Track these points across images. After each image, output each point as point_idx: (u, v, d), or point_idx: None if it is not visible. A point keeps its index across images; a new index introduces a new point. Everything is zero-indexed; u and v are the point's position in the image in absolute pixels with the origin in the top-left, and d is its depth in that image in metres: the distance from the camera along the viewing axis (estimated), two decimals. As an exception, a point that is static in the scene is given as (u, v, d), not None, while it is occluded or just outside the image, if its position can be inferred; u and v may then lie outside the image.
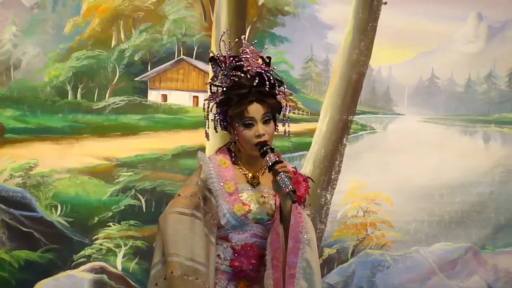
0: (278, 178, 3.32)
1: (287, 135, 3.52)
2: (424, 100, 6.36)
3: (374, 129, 6.37)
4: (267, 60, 3.50)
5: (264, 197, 3.48)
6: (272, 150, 3.39)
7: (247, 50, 3.47)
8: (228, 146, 3.58)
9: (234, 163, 3.54)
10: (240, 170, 3.53)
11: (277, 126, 3.52)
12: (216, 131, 3.57)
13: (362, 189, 6.16)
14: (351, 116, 6.17)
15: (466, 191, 6.24)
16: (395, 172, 6.18)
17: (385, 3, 6.13)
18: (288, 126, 3.51)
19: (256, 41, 3.55)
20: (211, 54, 3.52)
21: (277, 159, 3.36)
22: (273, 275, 3.37)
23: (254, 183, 3.51)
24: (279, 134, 3.52)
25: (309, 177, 3.55)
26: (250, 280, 3.46)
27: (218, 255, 3.48)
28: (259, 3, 6.16)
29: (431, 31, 6.21)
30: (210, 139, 5.84)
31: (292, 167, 3.53)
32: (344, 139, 6.17)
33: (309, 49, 6.25)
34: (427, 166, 6.19)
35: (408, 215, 6.18)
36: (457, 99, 6.39)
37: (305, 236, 3.37)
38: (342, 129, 6.16)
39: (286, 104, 3.52)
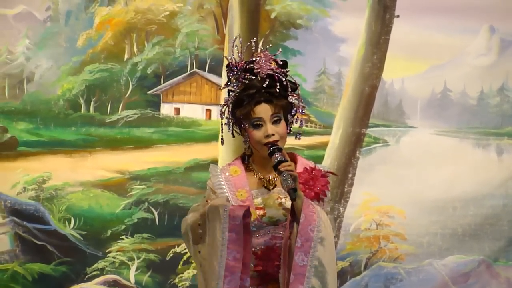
0: (281, 177, 3.34)
1: (297, 137, 3.53)
2: (437, 113, 6.36)
3: (387, 142, 6.37)
4: (281, 63, 3.52)
5: (280, 198, 3.48)
6: (280, 150, 3.39)
7: (261, 54, 3.48)
8: (243, 155, 3.60)
9: (248, 169, 3.55)
10: (255, 176, 3.53)
11: (290, 127, 3.54)
12: (233, 136, 3.57)
13: (375, 202, 6.16)
14: (364, 129, 6.17)
15: (479, 204, 6.23)
16: (408, 185, 6.17)
17: (398, 16, 6.13)
18: (301, 126, 3.51)
19: (270, 45, 3.58)
20: (225, 60, 3.56)
21: (283, 158, 3.36)
22: (284, 274, 3.38)
23: (270, 186, 3.52)
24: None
25: (330, 172, 3.55)
26: (278, 281, 3.45)
27: None
28: (272, 16, 6.17)
29: (443, 44, 6.21)
30: (223, 153, 5.93)
31: (309, 162, 3.54)
32: (357, 152, 6.17)
33: (321, 62, 6.26)
34: (440, 179, 6.19)
35: (421, 228, 6.18)
36: (470, 112, 6.39)
37: (317, 235, 3.37)
38: (355, 142, 6.16)
39: (300, 106, 3.53)
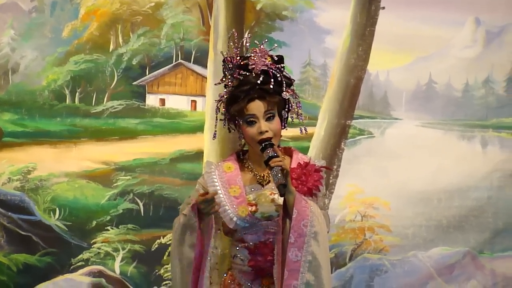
0: (271, 172, 3.34)
1: (304, 131, 3.54)
2: (422, 104, 6.36)
3: (372, 134, 6.37)
4: (276, 59, 3.52)
5: (273, 194, 3.50)
6: (272, 145, 3.40)
7: (257, 49, 3.50)
8: (238, 151, 3.63)
9: (243, 165, 3.58)
10: (250, 172, 3.57)
11: (285, 124, 3.53)
12: (230, 131, 3.61)
13: (360, 194, 6.16)
14: (349, 121, 6.17)
15: (464, 196, 6.23)
16: (393, 177, 6.18)
17: (383, 8, 6.13)
18: (300, 120, 3.55)
19: (267, 40, 3.60)
20: (221, 54, 3.58)
21: (274, 154, 3.37)
22: (277, 269, 3.40)
23: (263, 182, 3.54)
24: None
25: (325, 166, 3.56)
26: (272, 276, 3.47)
27: (239, 257, 3.56)
28: (257, 8, 6.16)
29: (429, 36, 6.21)
30: (208, 144, 5.93)
31: (305, 157, 3.58)
32: (342, 143, 6.17)
33: (307, 54, 6.26)
34: (425, 171, 6.19)
35: (406, 220, 6.18)
36: (455, 104, 6.39)
37: (310, 230, 3.37)
38: (340, 134, 6.16)
39: (297, 102, 3.54)
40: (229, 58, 3.51)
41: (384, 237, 6.17)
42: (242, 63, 3.49)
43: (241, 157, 3.63)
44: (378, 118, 6.38)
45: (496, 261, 6.20)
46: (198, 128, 6.11)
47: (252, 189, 3.55)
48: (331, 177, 6.12)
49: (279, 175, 3.32)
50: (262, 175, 3.56)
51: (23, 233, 5.95)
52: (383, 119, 6.38)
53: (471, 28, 6.37)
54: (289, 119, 3.58)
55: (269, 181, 3.53)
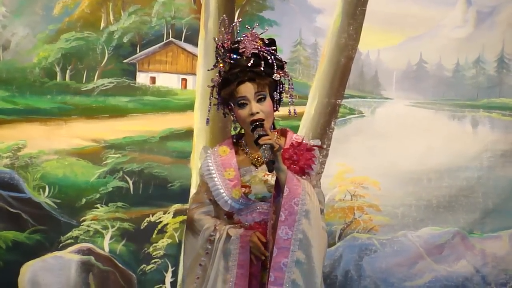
0: (260, 150, 3.35)
1: (293, 113, 3.55)
2: (413, 84, 6.36)
3: (362, 113, 6.37)
4: (267, 42, 3.53)
5: (267, 174, 3.52)
6: (261, 125, 3.42)
7: (248, 33, 3.53)
8: (235, 134, 3.68)
9: (238, 148, 3.63)
10: (245, 154, 3.61)
11: (277, 105, 3.57)
12: (225, 116, 3.65)
13: (350, 173, 6.16)
14: (339, 100, 6.17)
15: (454, 176, 6.23)
16: (383, 156, 6.17)
17: (375, -13, 6.14)
18: (290, 103, 3.58)
19: (258, 23, 3.63)
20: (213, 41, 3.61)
21: (263, 133, 3.38)
22: (270, 250, 3.42)
23: (258, 163, 3.56)
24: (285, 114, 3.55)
25: (317, 145, 3.58)
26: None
27: None
28: (249, -14, 6.17)
29: (419, 16, 6.21)
30: (198, 122, 5.93)
31: (299, 137, 3.62)
32: (332, 122, 6.16)
33: (297, 33, 6.26)
34: (415, 151, 6.19)
35: (396, 199, 6.18)
36: (446, 84, 6.39)
37: (302, 208, 3.37)
38: (330, 113, 6.16)
39: (289, 83, 3.56)
40: (220, 43, 3.54)
41: (373, 216, 6.16)
42: (233, 47, 3.52)
43: (238, 141, 3.65)
44: (368, 97, 6.38)
45: (486, 241, 6.19)
46: (188, 107, 6.10)
47: (247, 171, 3.58)
48: (320, 156, 6.10)
49: (267, 152, 3.33)
50: (256, 157, 3.58)
51: (12, 210, 5.94)
52: (374, 98, 6.38)
53: (462, 8, 6.37)
54: (283, 98, 3.61)
55: (263, 163, 3.54)
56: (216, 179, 3.56)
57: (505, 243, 6.18)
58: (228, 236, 3.48)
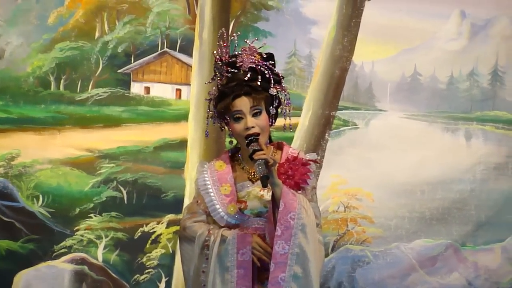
0: (255, 165, 3.36)
1: (288, 127, 3.56)
2: (407, 96, 6.37)
3: (356, 125, 6.38)
4: (265, 56, 3.54)
5: (263, 190, 3.52)
6: (256, 140, 3.42)
7: (246, 47, 3.53)
8: (232, 149, 3.67)
9: (234, 163, 3.63)
10: (242, 169, 3.61)
11: (272, 119, 3.57)
12: (222, 129, 3.66)
13: (344, 185, 6.16)
14: (334, 112, 6.18)
15: (447, 188, 6.24)
16: (376, 168, 6.18)
17: (369, -1, 6.15)
18: (289, 119, 3.57)
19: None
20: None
21: (258, 147, 3.39)
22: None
23: (254, 178, 3.57)
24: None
25: (313, 160, 3.57)
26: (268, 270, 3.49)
27: None
28: (243, -3, 6.18)
29: (414, 28, 6.22)
30: (192, 133, 5.94)
31: (295, 151, 3.61)
32: (326, 134, 6.17)
33: (292, 44, 6.26)
34: (409, 163, 6.20)
35: (389, 211, 6.19)
36: (440, 96, 6.40)
37: (298, 222, 3.38)
38: (324, 125, 6.17)
39: (286, 98, 3.56)
40: (218, 57, 3.55)
41: (366, 228, 6.17)
42: (230, 60, 3.53)
43: (234, 155, 3.66)
44: (362, 109, 6.38)
45: (478, 254, 6.20)
46: (182, 117, 6.11)
47: (243, 187, 3.59)
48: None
49: (261, 167, 3.34)
50: (252, 172, 3.58)
51: (6, 219, 5.95)
52: (368, 110, 6.39)
53: (456, 20, 6.38)
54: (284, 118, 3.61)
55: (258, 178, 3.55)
56: (212, 194, 3.57)
57: (498, 255, 6.19)
58: (223, 238, 3.48)
